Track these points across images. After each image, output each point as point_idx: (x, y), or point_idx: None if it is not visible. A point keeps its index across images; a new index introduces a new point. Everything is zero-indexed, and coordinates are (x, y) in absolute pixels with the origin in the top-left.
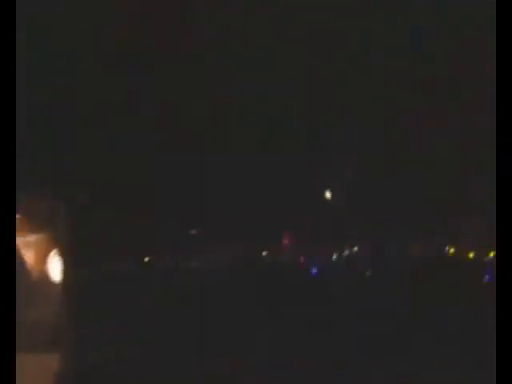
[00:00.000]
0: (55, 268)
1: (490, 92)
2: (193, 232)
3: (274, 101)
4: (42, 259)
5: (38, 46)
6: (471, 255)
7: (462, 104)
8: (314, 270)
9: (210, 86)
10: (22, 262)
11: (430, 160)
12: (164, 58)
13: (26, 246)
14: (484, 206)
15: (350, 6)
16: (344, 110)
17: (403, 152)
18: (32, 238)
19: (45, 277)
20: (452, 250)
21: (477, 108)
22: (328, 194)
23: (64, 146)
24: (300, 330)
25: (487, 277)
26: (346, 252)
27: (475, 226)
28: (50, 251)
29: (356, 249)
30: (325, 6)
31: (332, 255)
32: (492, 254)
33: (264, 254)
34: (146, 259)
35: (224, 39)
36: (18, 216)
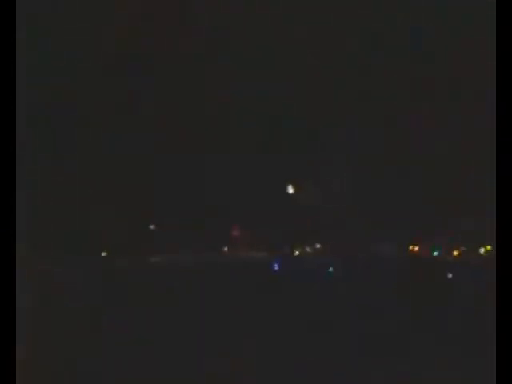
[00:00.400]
0: None
1: (490, 92)
2: (152, 227)
3: (274, 101)
4: None
5: (38, 46)
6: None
7: (461, 104)
8: (276, 266)
9: (209, 85)
10: None
11: (430, 160)
12: (164, 58)
13: None
14: (484, 205)
15: (350, 6)
16: (344, 110)
17: (403, 152)
18: None
19: None
20: (416, 248)
21: (477, 108)
22: (291, 190)
23: (64, 146)
24: (254, 324)
25: (449, 274)
26: (308, 249)
27: (468, 225)
28: None
29: (319, 246)
30: (325, 6)
31: (302, 252)
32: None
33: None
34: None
35: (224, 39)
36: None
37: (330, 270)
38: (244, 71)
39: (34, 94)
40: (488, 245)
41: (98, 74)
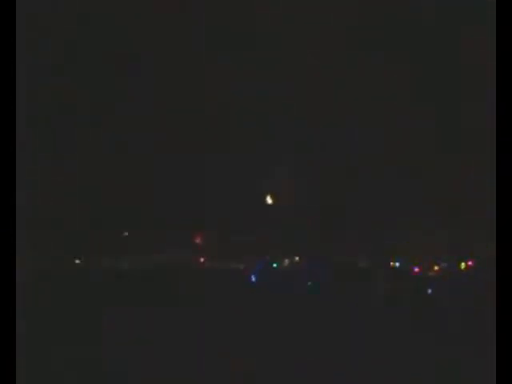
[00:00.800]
0: None
1: (489, 92)
2: (126, 234)
3: (274, 101)
4: None
5: (38, 46)
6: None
7: (462, 104)
8: (253, 278)
9: (209, 85)
10: None
11: (429, 160)
12: (164, 58)
13: None
14: (484, 205)
15: (349, 6)
16: (344, 109)
17: (403, 152)
18: None
19: None
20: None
21: (477, 108)
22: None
23: (64, 146)
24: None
25: (430, 290)
26: (287, 261)
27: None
28: None
29: (297, 258)
30: (325, 6)
31: (277, 262)
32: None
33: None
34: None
35: (224, 39)
36: None
37: (309, 283)
38: (244, 71)
39: (33, 94)
40: (468, 260)
41: (98, 73)
